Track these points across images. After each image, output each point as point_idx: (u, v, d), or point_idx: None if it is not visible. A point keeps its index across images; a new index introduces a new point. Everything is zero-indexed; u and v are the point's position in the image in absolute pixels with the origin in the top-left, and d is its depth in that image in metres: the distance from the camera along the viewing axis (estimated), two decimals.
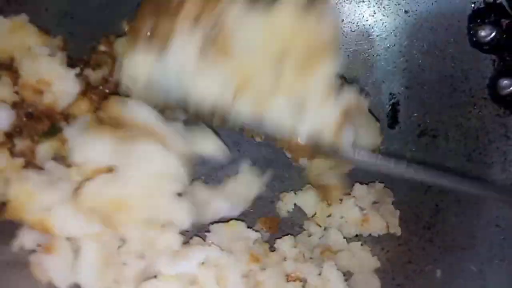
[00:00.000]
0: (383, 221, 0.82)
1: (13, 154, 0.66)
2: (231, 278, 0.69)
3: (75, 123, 0.71)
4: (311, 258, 0.79)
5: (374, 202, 0.85)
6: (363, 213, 0.83)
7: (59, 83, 0.68)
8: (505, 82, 0.79)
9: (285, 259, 0.77)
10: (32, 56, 0.67)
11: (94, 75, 0.76)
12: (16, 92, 0.67)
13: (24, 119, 0.68)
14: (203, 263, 0.69)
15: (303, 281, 0.76)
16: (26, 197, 0.61)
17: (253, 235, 0.77)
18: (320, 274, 0.76)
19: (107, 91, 0.77)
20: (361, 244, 0.81)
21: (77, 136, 0.63)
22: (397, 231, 0.83)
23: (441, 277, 0.78)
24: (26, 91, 0.67)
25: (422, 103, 0.89)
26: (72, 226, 0.61)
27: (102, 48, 0.79)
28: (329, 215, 0.84)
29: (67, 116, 0.73)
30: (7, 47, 0.68)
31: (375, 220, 0.82)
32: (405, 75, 0.91)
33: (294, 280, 0.75)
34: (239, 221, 0.78)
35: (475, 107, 0.83)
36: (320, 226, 0.84)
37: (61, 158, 0.69)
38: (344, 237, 0.82)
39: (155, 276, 0.67)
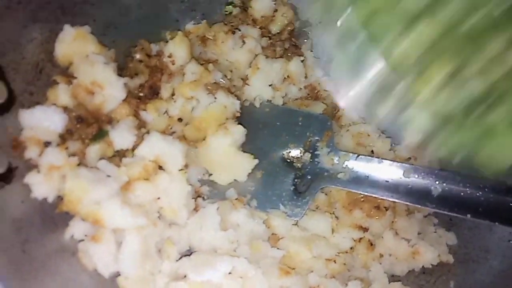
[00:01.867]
0: (435, 251, 0.80)
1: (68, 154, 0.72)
2: None
3: (119, 126, 0.77)
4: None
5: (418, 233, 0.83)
6: (411, 246, 0.81)
7: (110, 87, 0.74)
8: None
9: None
10: (89, 62, 0.74)
11: (131, 83, 0.83)
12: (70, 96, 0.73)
13: (76, 123, 0.74)
14: (230, 273, 0.71)
15: None
16: (80, 192, 0.66)
17: (278, 253, 0.78)
18: None
19: (141, 95, 0.84)
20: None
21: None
22: (449, 259, 0.82)
23: None
24: (79, 91, 0.73)
25: None
26: (119, 218, 0.67)
27: (137, 56, 0.85)
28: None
29: (110, 120, 0.79)
30: (68, 53, 0.75)
31: (426, 251, 0.80)
32: None
33: None
34: (264, 242, 0.80)
35: None
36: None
37: (108, 159, 0.75)
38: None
39: (185, 276, 0.71)
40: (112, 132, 0.76)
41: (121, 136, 0.76)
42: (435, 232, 0.86)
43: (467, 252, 0.84)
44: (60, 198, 0.69)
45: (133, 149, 0.78)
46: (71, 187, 0.67)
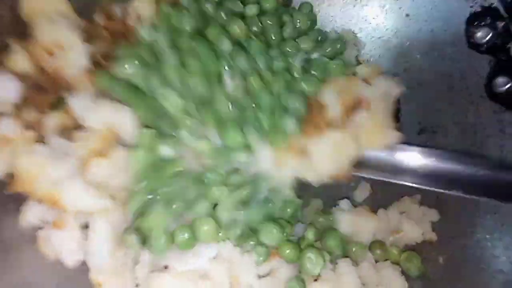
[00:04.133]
0: (419, 229, 0.80)
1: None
2: (244, 275, 0.66)
3: (79, 95, 0.68)
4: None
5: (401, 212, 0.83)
6: (393, 225, 0.80)
7: (72, 51, 0.67)
8: (500, 80, 0.84)
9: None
10: (53, 22, 0.66)
11: (91, 48, 0.72)
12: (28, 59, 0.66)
13: (32, 91, 0.66)
14: (214, 258, 0.67)
15: None
16: (36, 170, 0.59)
17: None
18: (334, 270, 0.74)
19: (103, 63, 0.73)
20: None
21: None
22: (433, 236, 0.82)
23: (443, 264, 0.81)
24: (38, 51, 0.65)
25: (421, 102, 0.93)
26: (82, 200, 0.59)
27: (98, 20, 0.75)
28: None
29: (70, 88, 0.70)
30: (33, 9, 0.67)
31: (410, 230, 0.80)
32: (406, 75, 0.95)
33: None
34: None
35: (472, 104, 0.87)
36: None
37: (67, 131, 0.66)
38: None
39: (165, 267, 0.65)
40: (72, 99, 0.67)
41: (82, 105, 0.67)
42: (419, 210, 0.85)
43: (454, 228, 0.83)
44: (10, 177, 0.60)
45: None
46: (24, 164, 0.57)
